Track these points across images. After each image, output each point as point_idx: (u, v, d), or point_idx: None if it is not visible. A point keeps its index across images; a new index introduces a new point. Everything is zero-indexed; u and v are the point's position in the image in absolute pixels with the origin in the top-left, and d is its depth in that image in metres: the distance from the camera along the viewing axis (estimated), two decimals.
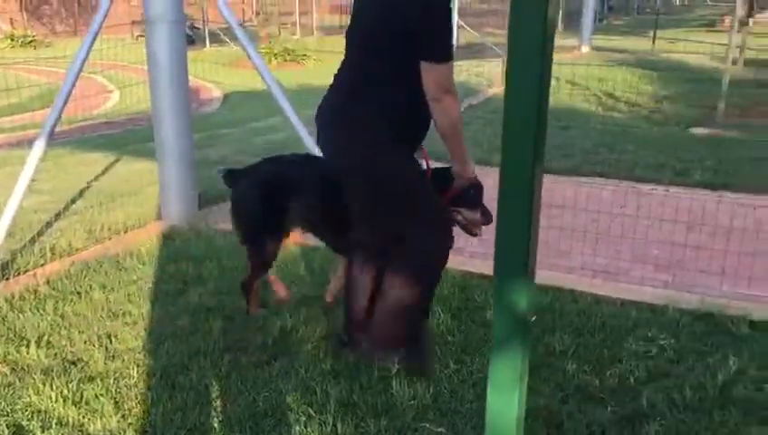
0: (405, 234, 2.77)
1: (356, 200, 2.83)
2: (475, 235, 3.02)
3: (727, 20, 17.78)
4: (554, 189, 5.57)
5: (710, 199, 5.06)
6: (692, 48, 14.95)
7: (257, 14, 17.07)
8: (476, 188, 2.94)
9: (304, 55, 14.82)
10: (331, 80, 2.84)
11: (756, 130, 7.55)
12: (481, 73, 11.64)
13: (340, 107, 2.74)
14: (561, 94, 9.68)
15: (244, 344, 3.10)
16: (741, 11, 14.97)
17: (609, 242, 4.43)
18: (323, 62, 13.99)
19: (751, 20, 17.16)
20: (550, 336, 3.14)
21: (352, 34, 2.74)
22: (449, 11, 2.59)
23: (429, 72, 2.54)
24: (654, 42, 16.63)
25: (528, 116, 1.14)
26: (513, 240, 1.20)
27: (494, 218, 2.70)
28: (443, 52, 2.55)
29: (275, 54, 14.68)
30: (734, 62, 11.71)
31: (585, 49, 15.32)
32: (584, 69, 11.71)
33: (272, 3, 18.70)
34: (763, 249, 4.18)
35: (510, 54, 1.13)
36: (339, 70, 2.80)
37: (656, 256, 4.28)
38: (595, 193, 5.49)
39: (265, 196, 3.09)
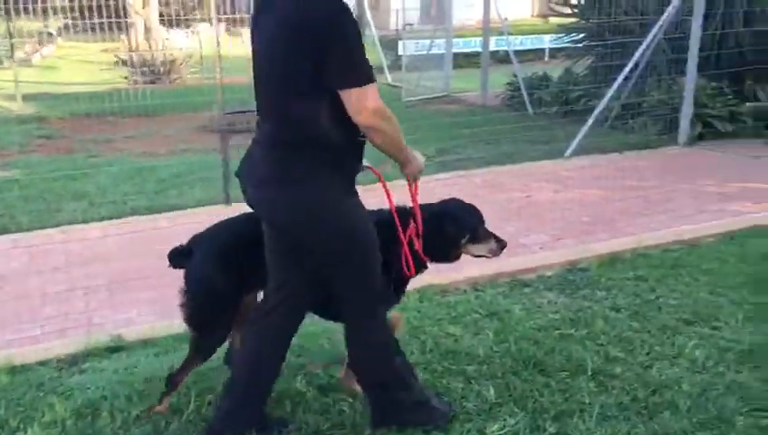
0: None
1: (298, 263, 2.55)
2: (497, 255, 2.95)
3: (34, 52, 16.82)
4: None
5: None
6: None
7: None
8: (474, 224, 2.88)
9: None
10: None
11: (39, 164, 7.75)
12: None
13: (268, 162, 2.45)
14: None
15: None
16: (23, 52, 14.62)
17: None
18: None
19: (37, 55, 17.30)
20: None
21: (259, 84, 2.46)
22: (352, 27, 2.30)
23: (352, 100, 2.29)
24: None
25: None
26: None
27: None
28: (360, 73, 2.29)
29: None
30: (14, 99, 11.42)
31: None
32: None
33: None
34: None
35: None
36: (256, 123, 2.52)
37: None
38: None
39: (224, 266, 2.69)
